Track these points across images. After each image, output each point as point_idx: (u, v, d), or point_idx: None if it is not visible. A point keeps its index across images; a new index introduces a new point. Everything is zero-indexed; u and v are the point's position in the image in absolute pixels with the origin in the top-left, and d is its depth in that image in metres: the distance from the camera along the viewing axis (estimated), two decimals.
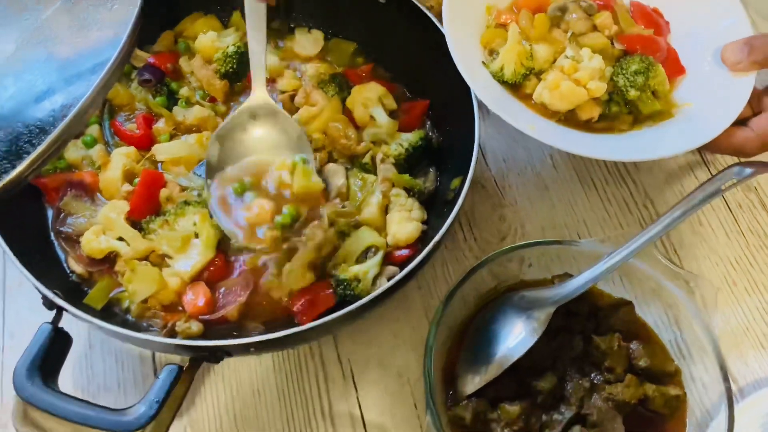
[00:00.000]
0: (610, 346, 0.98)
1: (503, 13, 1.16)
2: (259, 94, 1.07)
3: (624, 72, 1.08)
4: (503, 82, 1.10)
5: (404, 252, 1.07)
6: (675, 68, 1.15)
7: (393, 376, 1.08)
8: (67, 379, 1.05)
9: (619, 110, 1.09)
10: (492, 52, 1.12)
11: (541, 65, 1.10)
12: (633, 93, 1.07)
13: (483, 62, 1.11)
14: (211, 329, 0.99)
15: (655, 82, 1.09)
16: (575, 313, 1.03)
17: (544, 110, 1.09)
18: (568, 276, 1.03)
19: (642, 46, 1.13)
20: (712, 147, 1.03)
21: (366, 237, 1.06)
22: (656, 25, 1.17)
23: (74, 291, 1.01)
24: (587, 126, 1.10)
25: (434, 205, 1.13)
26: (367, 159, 1.12)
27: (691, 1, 1.18)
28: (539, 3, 1.17)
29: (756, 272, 1.18)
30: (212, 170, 1.05)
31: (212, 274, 1.03)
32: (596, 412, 0.94)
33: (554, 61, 1.11)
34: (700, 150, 1.15)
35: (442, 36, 1.09)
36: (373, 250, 1.05)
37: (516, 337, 0.96)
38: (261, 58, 1.05)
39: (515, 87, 1.10)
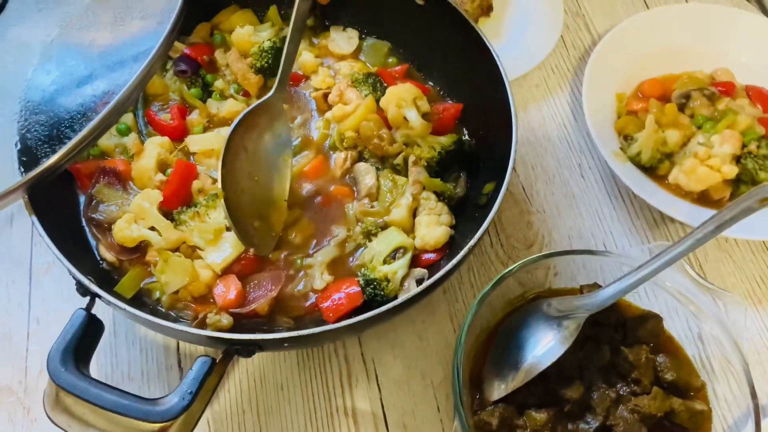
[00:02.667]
0: (637, 357, 0.98)
1: (632, 100, 1.30)
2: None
3: (753, 156, 1.18)
4: (639, 165, 1.22)
5: (431, 256, 1.07)
6: None
7: (417, 378, 1.08)
8: (91, 367, 1.04)
9: (747, 190, 1.14)
10: (627, 138, 1.25)
11: (672, 148, 1.22)
12: (763, 175, 1.17)
13: (621, 148, 1.24)
14: (240, 323, 0.99)
15: None
16: (603, 323, 1.02)
17: (678, 190, 1.21)
18: (597, 286, 1.03)
19: (767, 129, 1.22)
20: None
21: (394, 237, 1.06)
22: None
23: (104, 279, 1.01)
24: (719, 204, 1.20)
25: (463, 211, 1.12)
26: (399, 160, 1.12)
27: None
28: (663, 90, 1.31)
29: None
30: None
31: (243, 268, 1.03)
32: (622, 423, 0.94)
33: (683, 144, 1.23)
34: None
35: (479, 39, 1.10)
36: (401, 251, 1.05)
37: (545, 345, 0.96)
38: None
39: (649, 169, 1.22)
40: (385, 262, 1.04)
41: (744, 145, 1.20)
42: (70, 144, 0.89)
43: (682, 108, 1.28)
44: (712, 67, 1.35)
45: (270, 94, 1.08)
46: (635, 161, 1.23)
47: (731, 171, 1.17)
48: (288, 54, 1.11)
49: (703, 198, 1.21)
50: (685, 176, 1.19)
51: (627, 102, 1.31)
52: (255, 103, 1.08)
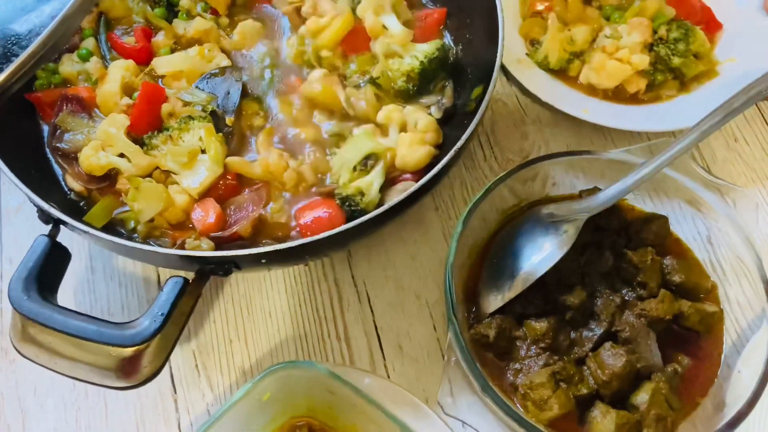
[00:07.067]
0: (642, 260, 0.92)
1: (535, 1, 1.19)
2: None
3: (664, 42, 1.11)
4: (549, 70, 1.14)
5: (409, 177, 0.99)
6: (712, 25, 1.17)
7: (411, 298, 1.02)
8: (68, 302, 1.00)
9: (665, 78, 1.12)
10: (533, 42, 1.17)
11: (581, 46, 1.14)
12: (676, 61, 1.10)
13: (527, 54, 1.15)
14: (222, 247, 0.93)
15: (696, 45, 1.11)
16: (605, 228, 0.96)
17: (591, 89, 1.14)
18: (597, 190, 0.96)
19: (677, 9, 1.14)
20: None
21: (364, 144, 0.98)
22: None
23: (73, 209, 0.95)
24: (635, 99, 1.13)
25: (452, 121, 1.05)
26: (377, 73, 1.05)
27: None
28: None
29: None
30: None
31: (223, 192, 0.96)
32: (629, 329, 0.88)
33: (593, 40, 1.14)
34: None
35: None
36: (372, 159, 0.98)
37: (542, 251, 0.90)
38: None
39: (559, 72, 1.14)
40: (355, 169, 0.97)
41: (655, 32, 1.12)
42: (18, 60, 0.83)
43: (589, 1, 1.18)
44: None
45: None
46: (543, 66, 1.14)
47: (642, 61, 1.09)
48: None
49: (618, 94, 1.13)
50: (595, 73, 1.11)
51: (530, 2, 1.19)
52: None
